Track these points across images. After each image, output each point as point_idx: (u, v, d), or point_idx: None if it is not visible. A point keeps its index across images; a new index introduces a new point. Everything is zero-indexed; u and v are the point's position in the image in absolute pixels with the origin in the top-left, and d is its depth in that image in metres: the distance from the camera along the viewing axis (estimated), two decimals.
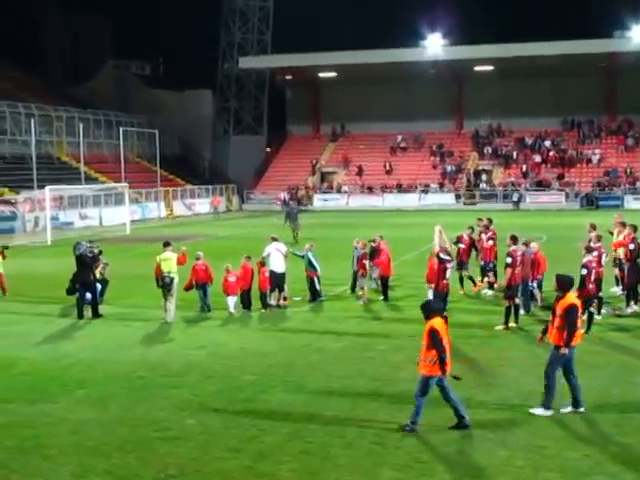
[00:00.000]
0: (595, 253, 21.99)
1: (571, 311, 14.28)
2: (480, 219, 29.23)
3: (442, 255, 20.21)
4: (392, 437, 13.26)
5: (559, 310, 14.43)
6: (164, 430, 13.78)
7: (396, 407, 14.76)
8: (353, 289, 27.12)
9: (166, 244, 23.89)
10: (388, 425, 13.80)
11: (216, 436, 13.50)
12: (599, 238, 23.75)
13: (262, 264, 24.88)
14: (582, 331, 19.85)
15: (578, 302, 14.56)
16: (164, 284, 23.07)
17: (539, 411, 14.28)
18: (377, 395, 15.58)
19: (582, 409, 14.36)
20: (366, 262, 26.10)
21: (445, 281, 20.24)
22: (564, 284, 14.86)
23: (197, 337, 21.27)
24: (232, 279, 24.29)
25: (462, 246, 27.49)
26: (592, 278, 20.57)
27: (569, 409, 14.40)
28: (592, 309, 20.76)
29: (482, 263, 27.32)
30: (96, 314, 24.11)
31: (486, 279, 27.28)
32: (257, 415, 14.45)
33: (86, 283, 24.62)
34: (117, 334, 21.90)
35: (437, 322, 13.76)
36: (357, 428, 13.73)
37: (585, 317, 20.43)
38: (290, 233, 43.12)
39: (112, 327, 22.86)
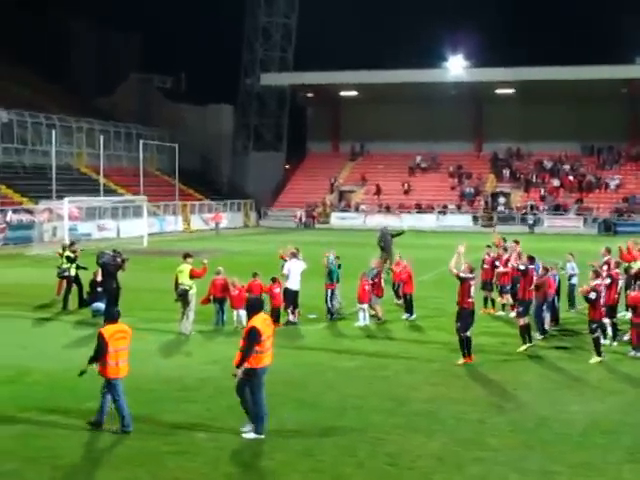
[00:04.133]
0: (608, 279, 21.93)
1: (250, 334, 14.01)
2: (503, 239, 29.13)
3: (462, 274, 19.94)
4: (405, 458, 13.19)
5: (243, 332, 14.37)
6: (174, 444, 13.75)
7: (410, 427, 14.70)
8: None
9: (185, 256, 24.02)
10: (402, 445, 13.73)
11: (227, 451, 13.46)
12: (617, 264, 23.63)
13: (274, 280, 24.91)
14: (596, 359, 19.85)
15: (262, 325, 14.12)
16: (177, 295, 23.45)
17: (251, 436, 14.03)
18: (391, 415, 15.49)
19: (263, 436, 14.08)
20: (382, 282, 26.12)
21: (470, 299, 19.96)
22: (251, 307, 14.88)
23: (211, 352, 21.22)
24: (235, 293, 24.40)
25: (486, 266, 27.52)
26: (601, 302, 20.48)
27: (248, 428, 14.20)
28: (598, 334, 20.44)
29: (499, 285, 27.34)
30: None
31: (502, 300, 27.27)
32: (269, 431, 14.36)
33: (108, 291, 24.88)
34: (131, 347, 21.84)
35: (106, 330, 14.66)
36: (370, 447, 13.66)
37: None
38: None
39: None
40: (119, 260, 26.03)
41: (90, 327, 24.62)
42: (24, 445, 13.73)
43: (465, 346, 19.82)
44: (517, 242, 28.54)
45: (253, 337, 14.04)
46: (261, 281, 24.92)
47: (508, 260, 26.69)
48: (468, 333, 19.82)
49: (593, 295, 20.24)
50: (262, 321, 14.36)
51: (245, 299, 24.27)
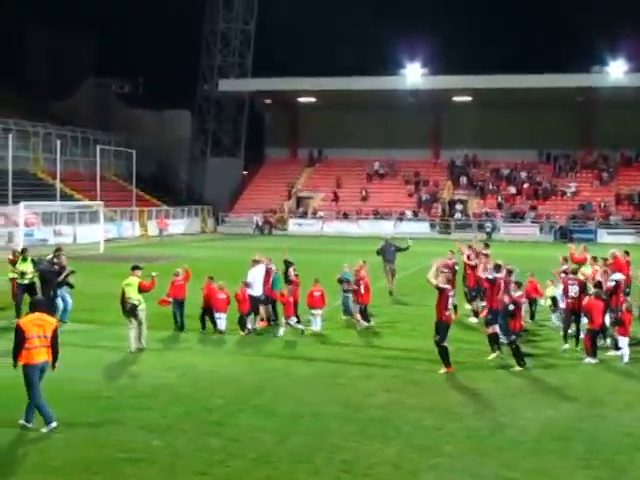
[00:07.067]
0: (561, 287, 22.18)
1: (14, 332, 14.86)
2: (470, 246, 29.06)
3: (441, 285, 19.84)
4: (361, 465, 13.18)
5: None
6: (130, 451, 13.65)
7: (366, 434, 14.70)
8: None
9: (134, 268, 22.54)
10: (357, 452, 13.74)
11: (183, 458, 13.39)
12: (574, 272, 23.75)
13: (247, 285, 24.81)
14: (519, 368, 19.88)
15: (27, 324, 14.81)
16: (125, 311, 22.09)
17: (22, 422, 14.76)
18: (347, 422, 15.49)
19: (30, 425, 14.70)
20: (361, 288, 25.98)
21: (448, 312, 19.80)
22: (29, 305, 15.88)
23: (167, 359, 21.08)
24: (222, 297, 24.35)
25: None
26: (522, 314, 20.84)
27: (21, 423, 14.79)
28: (517, 345, 20.38)
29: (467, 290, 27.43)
30: None
31: (471, 306, 27.30)
32: (225, 438, 14.34)
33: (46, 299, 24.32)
34: (85, 353, 21.68)
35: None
36: (325, 454, 13.64)
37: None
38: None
39: (80, 346, 22.57)
40: (56, 268, 25.61)
41: None
42: None
43: (444, 356, 19.79)
44: (487, 246, 28.71)
45: (16, 335, 14.82)
46: (214, 285, 24.94)
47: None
48: (445, 343, 19.80)
49: (512, 307, 20.39)
50: (30, 320, 14.96)
51: (227, 304, 24.43)
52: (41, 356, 14.80)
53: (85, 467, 12.98)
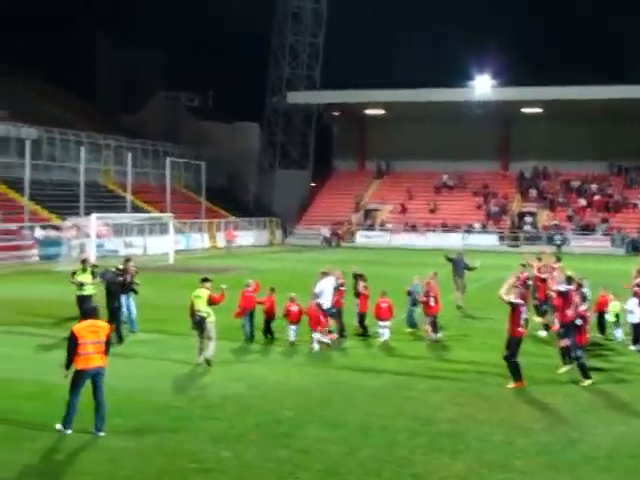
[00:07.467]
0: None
1: (68, 338, 15.18)
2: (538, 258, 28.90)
3: (514, 300, 19.62)
4: (430, 479, 13.10)
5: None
6: (200, 461, 13.72)
7: (435, 448, 14.61)
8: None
9: (204, 280, 22.19)
10: (426, 466, 13.65)
11: (252, 469, 13.42)
12: None
13: (315, 296, 24.81)
14: (588, 382, 19.58)
15: (81, 331, 15.08)
16: (193, 323, 21.89)
17: (59, 427, 15.08)
18: (415, 435, 15.40)
19: (102, 434, 15.00)
20: (430, 300, 25.77)
21: (520, 328, 19.57)
22: (81, 313, 16.59)
23: (236, 370, 21.16)
24: (294, 308, 24.47)
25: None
26: (587, 328, 20.53)
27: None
28: (583, 360, 20.09)
29: (537, 303, 27.18)
30: (119, 339, 23.95)
31: (542, 320, 27.03)
32: (294, 450, 14.34)
33: (110, 310, 24.53)
34: (156, 364, 21.87)
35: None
36: (395, 467, 13.57)
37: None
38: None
39: (150, 358, 22.82)
40: (121, 279, 25.88)
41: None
42: (46, 460, 13.81)
43: (515, 370, 19.58)
44: (559, 259, 28.47)
45: (69, 340, 15.11)
46: (274, 297, 25.35)
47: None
48: (516, 359, 19.57)
49: (579, 322, 20.09)
50: (84, 327, 15.27)
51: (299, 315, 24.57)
52: (95, 361, 15.11)
53: (155, 477, 13.08)
